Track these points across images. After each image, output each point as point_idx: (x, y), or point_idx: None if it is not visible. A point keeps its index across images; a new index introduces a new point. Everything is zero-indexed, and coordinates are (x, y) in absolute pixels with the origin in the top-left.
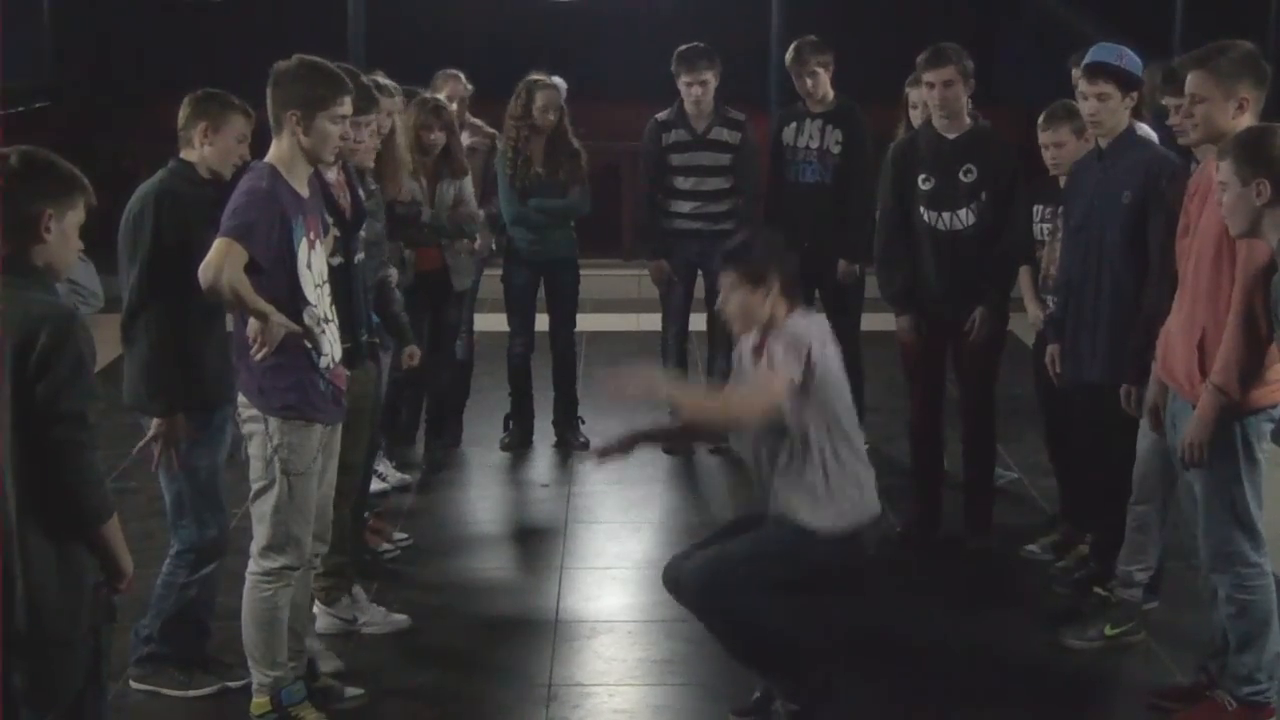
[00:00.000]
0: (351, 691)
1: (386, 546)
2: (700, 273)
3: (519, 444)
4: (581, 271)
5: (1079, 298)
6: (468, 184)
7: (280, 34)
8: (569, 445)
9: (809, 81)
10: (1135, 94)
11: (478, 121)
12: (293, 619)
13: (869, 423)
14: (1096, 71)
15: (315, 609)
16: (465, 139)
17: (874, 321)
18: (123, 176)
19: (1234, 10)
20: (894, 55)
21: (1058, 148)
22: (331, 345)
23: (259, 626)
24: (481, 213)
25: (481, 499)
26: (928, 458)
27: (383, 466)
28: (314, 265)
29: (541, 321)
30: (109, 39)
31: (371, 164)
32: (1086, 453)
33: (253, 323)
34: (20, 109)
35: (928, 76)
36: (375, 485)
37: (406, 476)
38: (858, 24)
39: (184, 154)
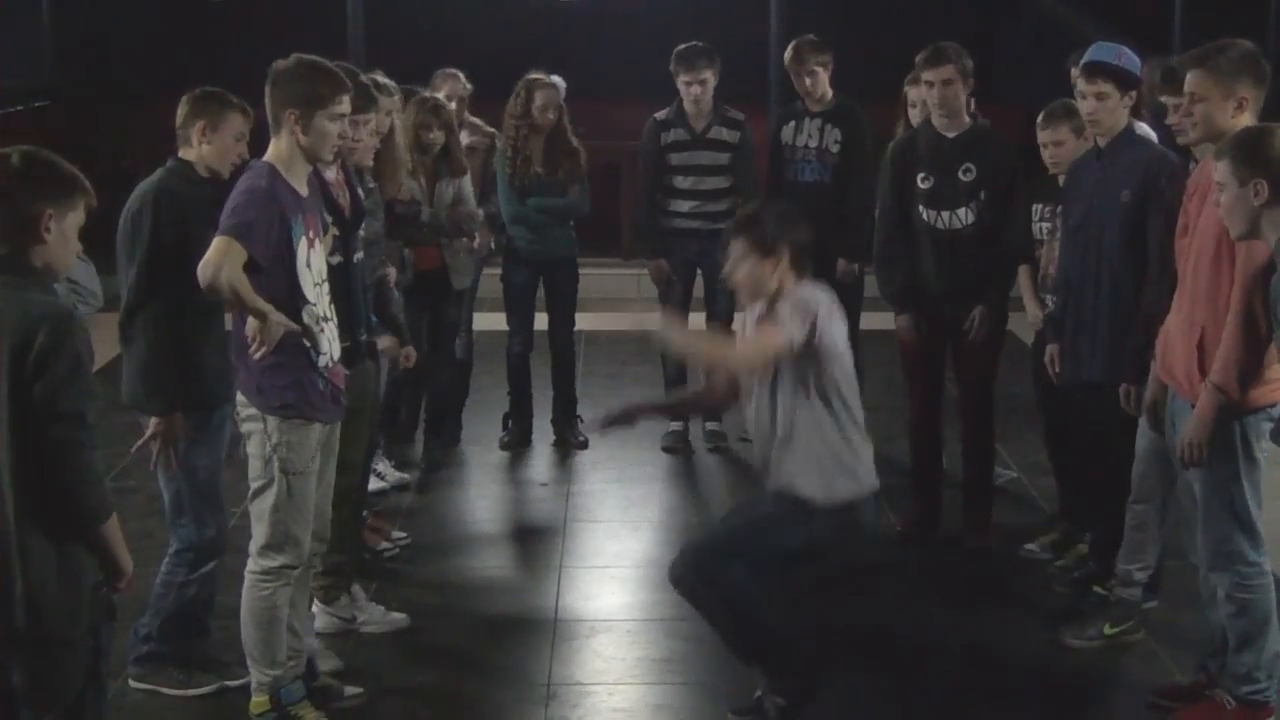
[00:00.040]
0: (350, 690)
1: (385, 545)
2: (699, 272)
3: (518, 443)
4: (581, 271)
5: (1078, 297)
6: (467, 183)
7: (280, 34)
8: (568, 444)
9: (808, 81)
10: (1134, 93)
11: (477, 121)
12: (292, 618)
13: (868, 423)
14: (1095, 71)
15: (314, 608)
16: (464, 138)
17: (873, 321)
18: (122, 176)
19: (1234, 10)
20: (894, 55)
21: (1057, 147)
22: (330, 344)
23: (258, 625)
24: (480, 212)
25: (480, 498)
26: (927, 457)
27: (382, 465)
28: (313, 264)
29: (541, 320)
30: (109, 39)
31: (370, 163)
32: (1086, 452)
33: (251, 321)
34: (20, 108)
35: (927, 75)
36: (374, 484)
37: (405, 475)
38: (857, 24)
39: (182, 153)
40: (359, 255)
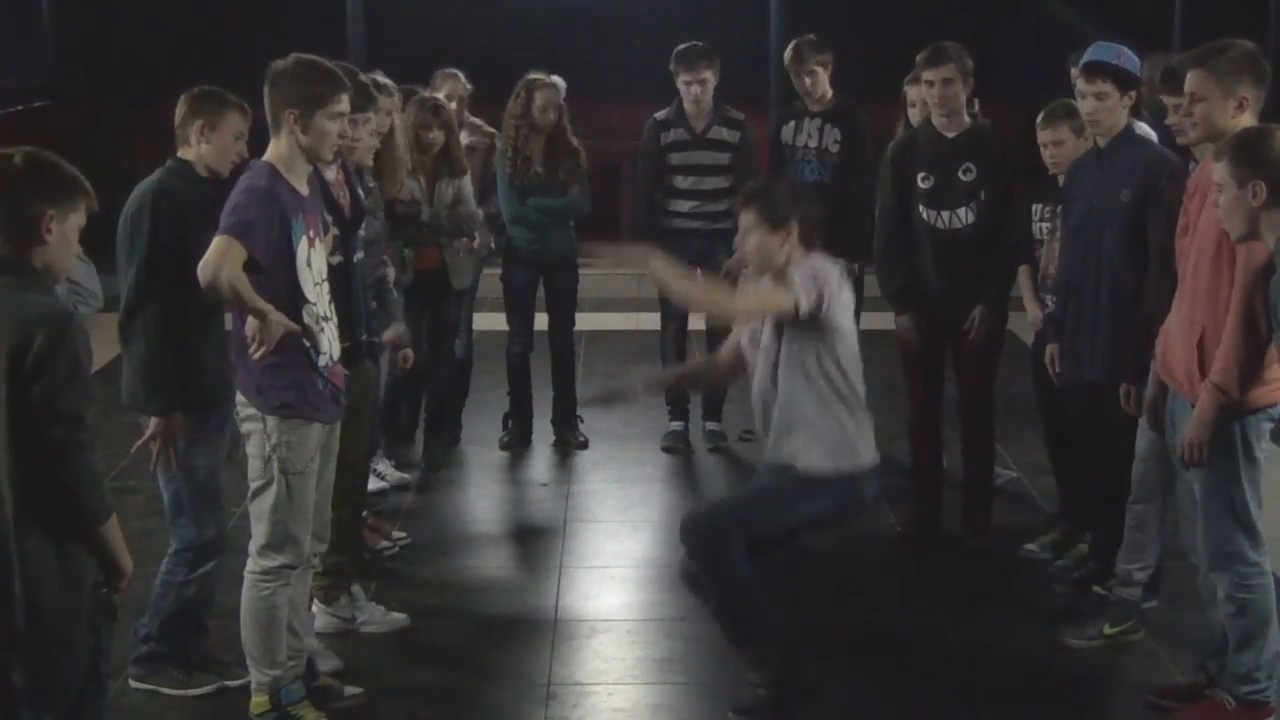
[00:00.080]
0: (350, 690)
1: (385, 545)
2: (699, 271)
3: (518, 443)
4: (581, 271)
5: (1078, 297)
6: (467, 183)
7: (280, 33)
8: (568, 444)
9: (808, 80)
10: (1133, 93)
11: (477, 120)
12: (291, 618)
13: None
14: (1095, 70)
15: (314, 608)
16: (464, 138)
17: (873, 320)
18: (122, 176)
19: (1234, 10)
20: (894, 55)
21: (1057, 146)
22: (330, 344)
23: (258, 625)
24: (480, 212)
25: (480, 498)
26: (927, 457)
27: (382, 465)
28: (313, 263)
29: (541, 321)
30: (109, 39)
31: (370, 162)
32: (1085, 452)
33: (251, 321)
34: (20, 108)
35: (927, 75)
36: (374, 484)
37: (405, 475)
38: (858, 23)
39: (181, 152)
40: (359, 255)
